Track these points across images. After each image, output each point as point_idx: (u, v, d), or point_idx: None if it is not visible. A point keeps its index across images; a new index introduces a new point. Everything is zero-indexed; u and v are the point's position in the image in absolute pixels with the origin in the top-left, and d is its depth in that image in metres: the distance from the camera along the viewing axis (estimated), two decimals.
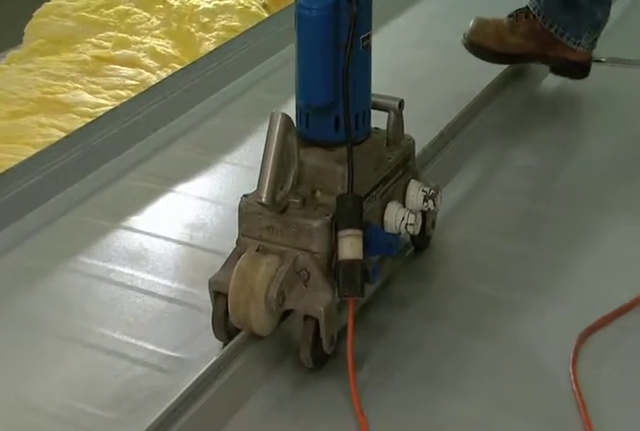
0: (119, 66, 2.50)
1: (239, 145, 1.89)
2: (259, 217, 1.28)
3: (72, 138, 1.83)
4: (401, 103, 1.41)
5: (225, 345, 1.31)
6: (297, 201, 1.28)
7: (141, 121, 1.90)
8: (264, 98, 2.05)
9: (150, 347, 1.37)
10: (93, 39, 2.58)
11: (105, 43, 2.58)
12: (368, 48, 1.31)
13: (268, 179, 1.23)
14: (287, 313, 1.32)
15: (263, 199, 1.23)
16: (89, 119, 2.05)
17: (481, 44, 1.93)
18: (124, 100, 2.17)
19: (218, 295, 1.31)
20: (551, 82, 2.05)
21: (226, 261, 1.32)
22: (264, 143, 1.24)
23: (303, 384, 1.30)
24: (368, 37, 1.30)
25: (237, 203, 1.66)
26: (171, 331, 1.40)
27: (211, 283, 1.31)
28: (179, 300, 1.46)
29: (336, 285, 1.26)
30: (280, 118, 1.24)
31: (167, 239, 1.61)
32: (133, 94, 2.26)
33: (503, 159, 1.81)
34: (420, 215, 1.40)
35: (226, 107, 2.02)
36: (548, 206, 1.67)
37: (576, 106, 2.01)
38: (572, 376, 1.27)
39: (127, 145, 1.85)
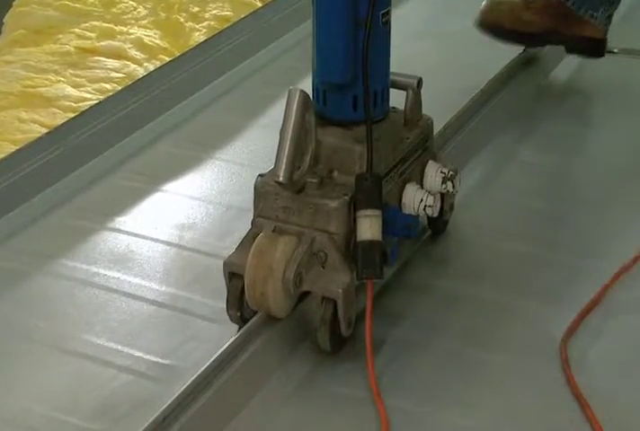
0: (104, 58, 2.50)
1: (231, 140, 1.89)
2: (275, 197, 1.31)
3: (54, 134, 1.83)
4: (419, 82, 1.44)
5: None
6: (314, 181, 1.31)
7: (127, 116, 1.90)
8: (258, 92, 2.05)
9: (137, 353, 1.37)
10: (76, 30, 2.59)
11: (89, 34, 2.58)
12: (387, 24, 1.34)
13: (285, 157, 1.25)
14: (303, 297, 1.34)
15: (281, 178, 1.25)
16: (72, 114, 2.05)
17: (495, 23, 1.96)
18: (109, 93, 2.17)
19: (233, 277, 1.33)
20: (560, 73, 2.06)
21: (240, 243, 1.34)
22: (282, 120, 1.26)
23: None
24: (388, 13, 1.33)
25: (229, 202, 1.69)
26: (159, 337, 1.40)
27: (226, 264, 1.34)
28: (168, 304, 1.46)
29: (354, 267, 1.29)
30: (297, 94, 1.26)
31: (155, 240, 1.61)
32: (119, 88, 2.26)
33: (510, 154, 1.82)
34: (439, 197, 1.43)
35: (217, 101, 2.02)
36: (559, 203, 1.68)
37: (587, 98, 2.02)
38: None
39: (112, 141, 1.85)
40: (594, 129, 1.94)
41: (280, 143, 1.26)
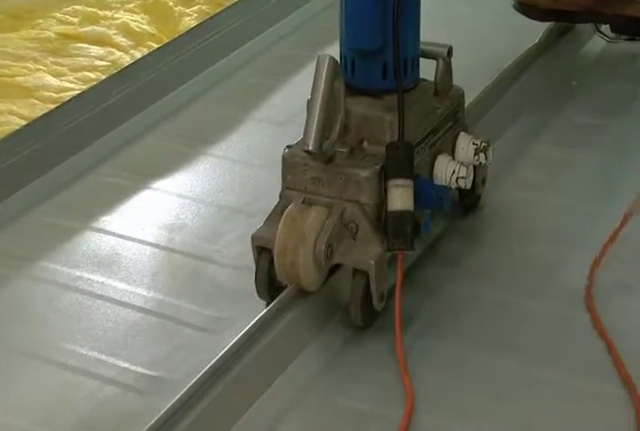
0: (87, 45, 2.50)
1: (224, 134, 1.89)
2: (304, 169, 1.35)
3: (33, 127, 1.83)
4: (450, 50, 1.48)
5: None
6: (344, 150, 1.35)
7: (112, 108, 1.90)
8: (254, 82, 2.06)
9: (123, 364, 1.37)
10: (57, 14, 2.59)
11: (71, 18, 2.58)
12: None
13: (315, 126, 1.28)
14: (333, 271, 1.38)
15: (310, 147, 1.28)
16: (52, 106, 2.05)
17: (532, 2, 1.96)
18: (93, 83, 2.16)
19: (262, 251, 1.38)
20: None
21: (268, 217, 1.38)
22: (311, 88, 1.30)
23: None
24: None
25: (221, 201, 1.70)
26: (146, 347, 1.40)
27: (254, 238, 1.38)
28: (156, 311, 1.46)
29: (385, 238, 1.34)
30: (327, 61, 1.29)
31: (142, 242, 1.61)
32: (103, 77, 2.26)
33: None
34: (471, 168, 1.48)
35: (208, 92, 2.02)
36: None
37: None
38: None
39: (96, 135, 1.85)
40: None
41: (308, 111, 1.30)
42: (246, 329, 1.31)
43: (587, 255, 1.52)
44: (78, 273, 1.54)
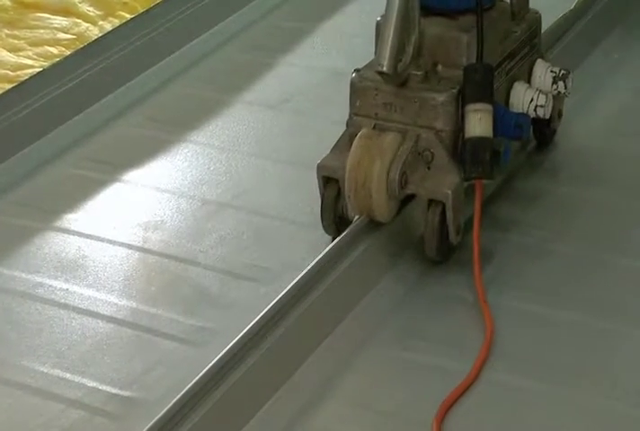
0: (48, 15, 2.50)
1: (208, 119, 1.90)
2: (375, 93, 1.46)
3: None
4: None
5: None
6: (418, 74, 1.45)
7: (78, 88, 1.90)
8: (239, 58, 2.06)
9: (90, 383, 1.37)
10: None
11: None
12: None
13: (389, 46, 1.38)
14: (405, 202, 1.48)
15: (385, 68, 1.39)
16: (9, 86, 2.05)
17: None
18: (55, 60, 2.17)
19: (329, 181, 1.49)
20: None
21: (334, 145, 1.49)
22: (384, 9, 1.40)
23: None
24: None
25: (205, 195, 1.70)
26: (118, 363, 1.40)
27: (320, 167, 1.49)
28: (129, 322, 1.46)
29: (462, 166, 1.44)
30: None
31: (113, 242, 1.61)
32: (67, 52, 2.27)
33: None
34: (551, 97, 1.57)
35: (190, 70, 2.03)
36: None
37: None
38: None
39: (59, 119, 1.85)
40: None
41: (382, 31, 1.39)
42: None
43: None
44: (39, 279, 1.54)
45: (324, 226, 1.52)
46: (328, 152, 1.50)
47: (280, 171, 1.74)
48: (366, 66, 1.47)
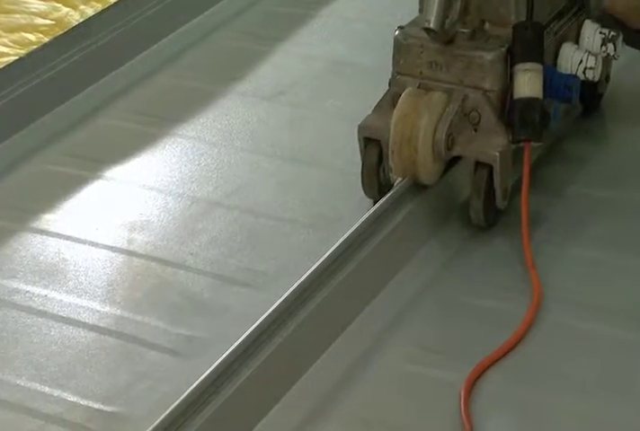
0: None
1: (198, 111, 1.89)
2: (420, 51, 1.51)
3: None
4: None
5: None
6: (465, 31, 1.50)
7: (57, 79, 1.90)
8: (231, 47, 2.06)
9: (71, 398, 1.36)
10: None
11: None
12: None
13: (437, 1, 1.43)
14: (451, 164, 1.53)
15: (432, 24, 1.43)
16: None
17: (621, 18, 2.01)
18: (33, 47, 2.17)
19: (370, 143, 1.54)
20: None
21: (376, 105, 1.55)
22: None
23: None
24: None
25: (195, 193, 1.69)
26: (101, 375, 1.40)
27: (361, 128, 1.55)
28: (113, 330, 1.46)
29: (510, 128, 1.48)
30: None
31: (95, 244, 1.61)
32: (46, 39, 2.27)
33: None
34: (600, 59, 1.62)
35: (177, 59, 2.03)
36: None
37: None
38: None
39: (37, 112, 1.86)
40: None
41: None
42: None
43: None
44: (15, 285, 1.54)
45: (364, 190, 1.58)
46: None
47: (275, 167, 1.74)
48: (410, 23, 1.53)
